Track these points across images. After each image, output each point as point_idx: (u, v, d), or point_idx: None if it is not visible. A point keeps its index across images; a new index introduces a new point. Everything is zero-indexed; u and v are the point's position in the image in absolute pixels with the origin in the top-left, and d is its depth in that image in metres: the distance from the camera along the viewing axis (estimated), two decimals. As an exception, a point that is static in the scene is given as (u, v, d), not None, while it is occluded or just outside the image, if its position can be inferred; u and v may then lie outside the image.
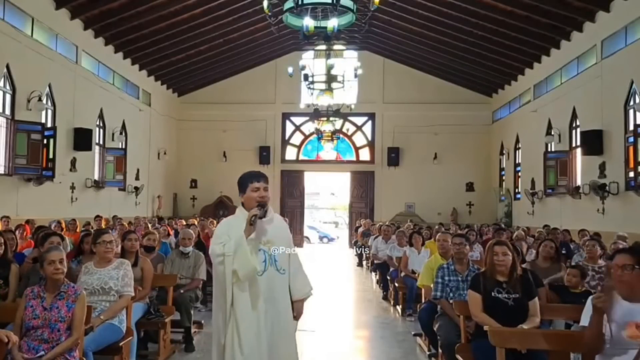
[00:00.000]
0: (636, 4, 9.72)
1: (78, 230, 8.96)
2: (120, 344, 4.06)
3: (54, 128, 11.06)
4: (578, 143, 12.21)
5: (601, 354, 2.88)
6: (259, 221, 2.98)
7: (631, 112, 10.13)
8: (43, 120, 10.93)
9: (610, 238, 8.01)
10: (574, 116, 12.57)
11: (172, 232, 10.12)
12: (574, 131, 12.72)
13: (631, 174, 9.61)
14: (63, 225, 8.68)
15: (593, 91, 11.39)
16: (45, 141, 10.53)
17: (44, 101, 10.90)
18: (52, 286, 3.48)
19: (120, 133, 14.61)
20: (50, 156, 10.70)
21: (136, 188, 15.27)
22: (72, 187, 11.98)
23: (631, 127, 9.86)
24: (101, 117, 13.76)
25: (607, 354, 2.85)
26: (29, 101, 10.37)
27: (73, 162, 12.05)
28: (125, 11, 12.29)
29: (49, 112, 11.49)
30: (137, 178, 15.57)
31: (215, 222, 11.78)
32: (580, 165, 12.21)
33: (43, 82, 11.00)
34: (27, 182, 10.39)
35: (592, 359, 2.97)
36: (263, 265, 3.00)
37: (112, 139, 14.32)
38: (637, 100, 9.53)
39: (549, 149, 13.49)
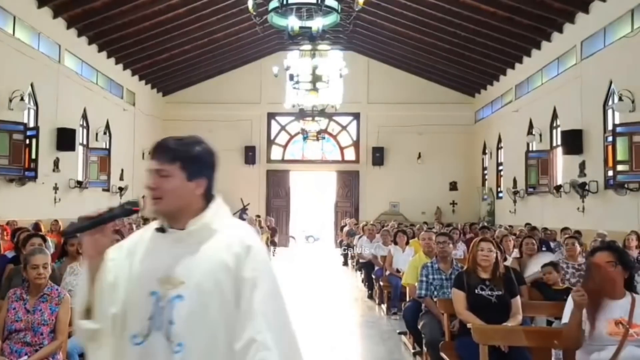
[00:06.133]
0: (615, 5, 9.91)
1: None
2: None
3: (36, 128, 10.94)
4: (558, 142, 12.40)
5: (581, 349, 2.96)
6: (160, 237, 1.59)
7: (610, 112, 10.33)
8: (25, 120, 10.79)
9: (591, 236, 8.17)
10: (555, 116, 12.77)
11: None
12: (554, 131, 12.91)
13: (610, 173, 9.78)
14: (42, 226, 8.57)
15: (573, 91, 11.58)
16: (27, 141, 10.40)
17: (26, 101, 10.77)
18: (35, 289, 3.45)
19: (104, 133, 14.48)
20: (33, 156, 10.58)
21: (120, 188, 15.15)
22: (56, 188, 11.85)
23: (610, 127, 10.04)
24: (85, 117, 13.63)
25: (587, 350, 2.90)
26: (10, 101, 10.23)
27: (56, 162, 11.92)
28: (108, 10, 12.18)
29: (32, 111, 11.35)
30: (121, 178, 15.44)
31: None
32: (561, 165, 12.42)
33: (25, 81, 10.86)
34: (9, 182, 10.26)
35: (572, 355, 3.03)
36: (147, 324, 1.50)
37: (96, 139, 14.18)
38: (616, 100, 9.72)
39: (530, 149, 13.68)
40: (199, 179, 1.59)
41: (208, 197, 1.62)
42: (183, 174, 1.57)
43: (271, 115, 19.34)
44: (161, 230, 1.60)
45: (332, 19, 8.26)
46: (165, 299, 1.51)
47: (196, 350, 1.48)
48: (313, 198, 23.63)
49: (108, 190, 14.52)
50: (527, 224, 11.79)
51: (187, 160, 1.58)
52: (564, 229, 9.44)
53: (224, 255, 1.53)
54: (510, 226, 12.29)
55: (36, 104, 11.38)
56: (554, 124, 12.88)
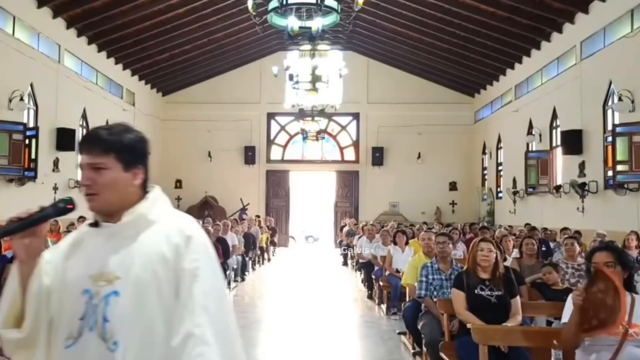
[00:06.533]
0: (614, 5, 9.92)
1: (61, 231, 8.89)
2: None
3: (36, 128, 10.94)
4: (558, 142, 12.40)
5: (580, 349, 2.96)
6: (93, 232, 1.51)
7: (609, 112, 10.34)
8: (25, 120, 10.80)
9: (590, 236, 8.19)
10: (554, 116, 12.77)
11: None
12: (554, 131, 12.92)
13: (610, 173, 9.79)
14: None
15: (573, 91, 11.59)
16: (27, 141, 10.41)
17: (26, 101, 10.78)
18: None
19: (104, 133, 14.48)
20: (33, 156, 10.58)
21: (120, 188, 15.17)
22: (55, 188, 11.85)
23: (609, 127, 10.05)
24: (84, 117, 13.63)
25: (587, 350, 2.91)
26: (10, 101, 10.24)
27: (56, 162, 11.92)
28: (108, 10, 12.19)
29: (31, 112, 11.36)
30: (120, 178, 15.46)
31: (200, 222, 11.76)
32: (561, 165, 12.42)
33: (25, 81, 10.87)
34: (9, 182, 10.26)
35: (572, 355, 3.04)
36: (78, 325, 1.42)
37: (96, 139, 14.18)
38: (616, 100, 9.72)
39: (530, 149, 13.69)
40: (135, 168, 1.50)
41: (145, 188, 1.54)
42: (119, 165, 1.47)
43: (271, 116, 19.35)
44: (95, 225, 1.51)
45: (331, 19, 8.28)
46: (98, 297, 1.41)
47: (133, 348, 1.38)
48: (313, 198, 23.62)
49: (108, 190, 14.53)
50: (527, 224, 11.79)
51: (122, 150, 1.48)
52: (564, 229, 9.44)
53: (162, 247, 1.43)
54: (510, 226, 12.29)
55: (36, 104, 11.39)
56: (554, 124, 12.89)
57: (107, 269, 1.43)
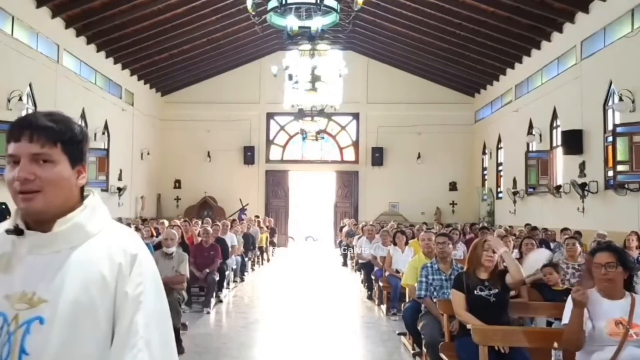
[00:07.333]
0: (615, 5, 9.91)
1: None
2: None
3: (34, 128, 10.92)
4: (558, 142, 12.38)
5: (581, 350, 2.94)
6: (13, 241, 1.23)
7: (610, 112, 10.32)
8: (24, 120, 10.77)
9: (591, 236, 8.16)
10: (555, 116, 12.76)
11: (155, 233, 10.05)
12: (554, 131, 12.90)
13: (610, 173, 9.78)
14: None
15: (573, 91, 11.57)
16: (26, 141, 10.39)
17: (25, 101, 10.75)
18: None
19: (103, 133, 14.46)
20: (31, 157, 10.55)
21: (119, 189, 15.13)
22: (54, 188, 11.83)
23: (610, 127, 10.03)
24: (83, 117, 13.59)
25: (587, 350, 2.90)
26: (9, 101, 10.21)
27: (54, 162, 11.89)
28: (107, 10, 12.18)
29: (30, 112, 11.32)
30: (119, 179, 15.42)
31: (200, 222, 11.75)
32: (561, 165, 12.41)
33: (24, 81, 10.84)
34: (8, 183, 10.25)
35: (572, 355, 3.02)
36: None
37: (95, 139, 14.15)
38: (616, 101, 9.71)
39: (530, 149, 13.68)
40: (80, 165, 1.25)
41: (83, 190, 1.29)
42: (66, 159, 1.22)
43: (270, 115, 19.33)
44: (16, 232, 1.21)
45: (331, 18, 8.26)
46: (16, 322, 1.15)
47: None
48: (312, 198, 23.60)
49: (107, 190, 14.49)
50: (527, 224, 11.78)
51: (69, 142, 1.22)
52: (564, 230, 9.41)
53: (101, 266, 1.19)
54: (510, 226, 12.27)
55: (34, 104, 11.36)
56: (554, 124, 12.87)
57: (30, 288, 1.16)
